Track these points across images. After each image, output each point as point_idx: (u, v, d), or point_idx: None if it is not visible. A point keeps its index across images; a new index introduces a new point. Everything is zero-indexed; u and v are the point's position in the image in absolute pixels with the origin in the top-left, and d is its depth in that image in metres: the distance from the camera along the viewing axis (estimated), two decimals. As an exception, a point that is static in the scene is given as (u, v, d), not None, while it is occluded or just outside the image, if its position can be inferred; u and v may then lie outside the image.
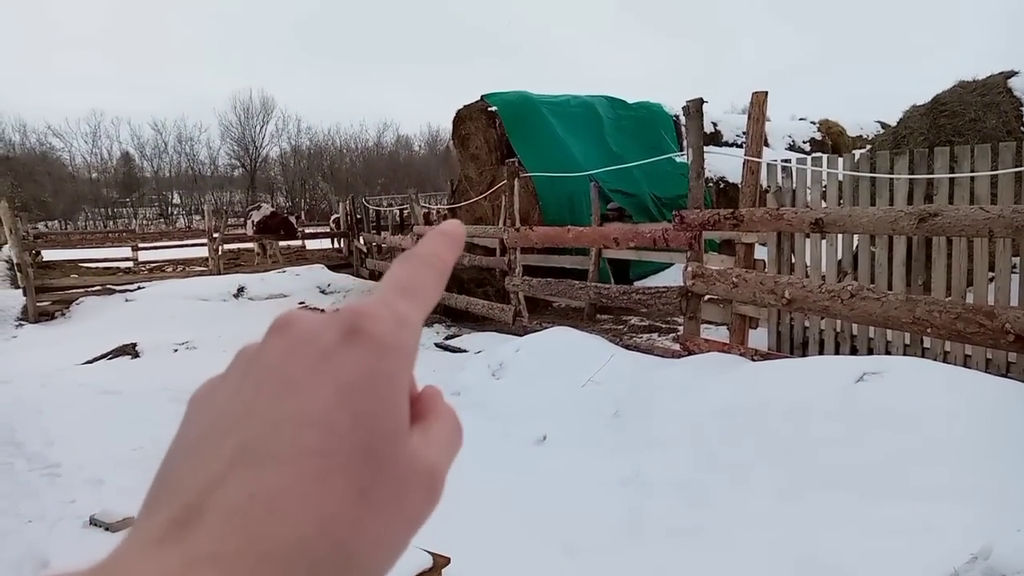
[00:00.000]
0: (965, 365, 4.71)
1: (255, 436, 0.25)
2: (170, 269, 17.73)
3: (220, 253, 16.37)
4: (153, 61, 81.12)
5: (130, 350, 8.57)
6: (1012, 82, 7.52)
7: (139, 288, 12.28)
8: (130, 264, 18.26)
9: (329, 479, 0.24)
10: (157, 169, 51.71)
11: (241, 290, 11.49)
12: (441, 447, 0.30)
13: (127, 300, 11.22)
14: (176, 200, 52.21)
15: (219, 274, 14.28)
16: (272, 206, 21.06)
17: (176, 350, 8.68)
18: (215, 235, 16.44)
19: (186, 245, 19.33)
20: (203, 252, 17.60)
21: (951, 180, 5.02)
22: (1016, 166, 4.64)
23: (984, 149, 4.85)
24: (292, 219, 19.38)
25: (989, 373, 4.22)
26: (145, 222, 46.84)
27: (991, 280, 4.82)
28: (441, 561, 2.60)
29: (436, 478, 0.29)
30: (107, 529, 3.62)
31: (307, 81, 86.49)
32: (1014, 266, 4.73)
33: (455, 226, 0.35)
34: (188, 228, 36.59)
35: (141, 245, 19.15)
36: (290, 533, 0.23)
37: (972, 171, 4.85)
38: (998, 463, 2.87)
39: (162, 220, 49.01)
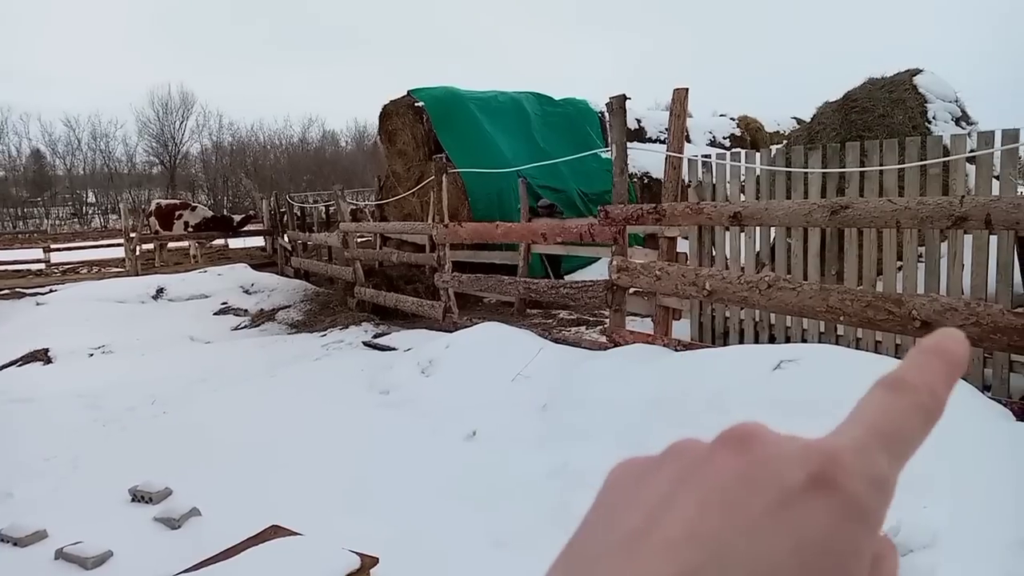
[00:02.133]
0: (876, 351, 4.92)
1: (702, 566, 0.22)
2: (85, 271, 17.04)
3: (138, 253, 15.83)
4: (64, 54, 77.68)
5: (42, 356, 8.20)
6: (918, 79, 7.88)
7: (51, 291, 11.77)
8: (42, 266, 17.50)
9: None
10: (70, 167, 49.52)
11: (160, 291, 11.12)
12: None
13: (38, 304, 10.72)
14: (91, 199, 50.13)
15: (137, 275, 13.80)
16: (203, 206, 20.59)
17: (91, 355, 8.35)
18: (132, 235, 15.90)
19: (102, 245, 18.64)
20: (120, 253, 17.01)
21: (861, 174, 5.22)
22: (921, 160, 4.87)
23: (892, 143, 5.06)
24: (237, 218, 19.37)
25: (898, 358, 4.42)
26: (58, 222, 44.87)
27: (899, 269, 5.05)
28: (368, 561, 2.57)
29: None
30: (15, 544, 3.46)
31: (229, 76, 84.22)
32: (920, 256, 4.96)
33: (957, 343, 0.28)
34: (104, 228, 35.25)
35: (53, 246, 18.39)
36: None
37: (881, 165, 5.06)
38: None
39: (76, 220, 47.00)
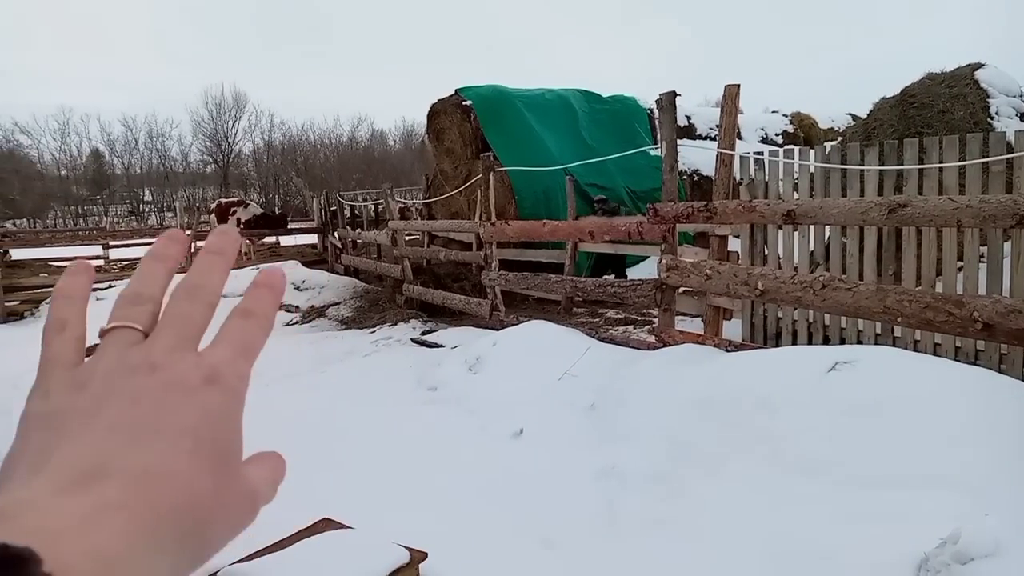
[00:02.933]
0: (935, 353, 4.78)
1: (143, 431, 0.34)
2: (142, 267, 17.49)
3: (193, 251, 16.20)
4: (122, 57, 79.86)
5: (101, 349, 8.46)
6: (979, 74, 7.64)
7: (110, 287, 12.11)
8: (101, 262, 18.03)
9: (198, 472, 0.34)
10: (128, 166, 50.91)
11: (214, 288, 11.37)
12: (264, 484, 0.39)
13: (98, 299, 10.92)
14: (148, 197, 51.48)
15: (192, 271, 14.11)
16: (254, 204, 21.09)
17: (149, 349, 8.58)
18: (188, 232, 16.27)
19: (159, 243, 19.13)
20: (176, 249, 17.41)
21: (920, 171, 5.09)
22: (983, 157, 4.72)
23: (952, 140, 4.92)
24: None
25: (958, 361, 4.29)
26: (116, 220, 46.16)
27: (960, 269, 4.90)
28: (418, 556, 2.59)
29: (257, 500, 0.39)
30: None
31: (280, 75, 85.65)
32: (982, 255, 4.81)
33: (278, 278, 0.43)
34: (160, 225, 36.17)
35: (112, 243, 18.91)
36: (172, 500, 0.32)
37: (940, 162, 4.92)
38: (967, 450, 2.92)
39: (133, 218, 48.34)
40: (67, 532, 0.29)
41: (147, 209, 50.65)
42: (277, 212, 21.35)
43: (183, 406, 0.35)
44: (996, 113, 7.41)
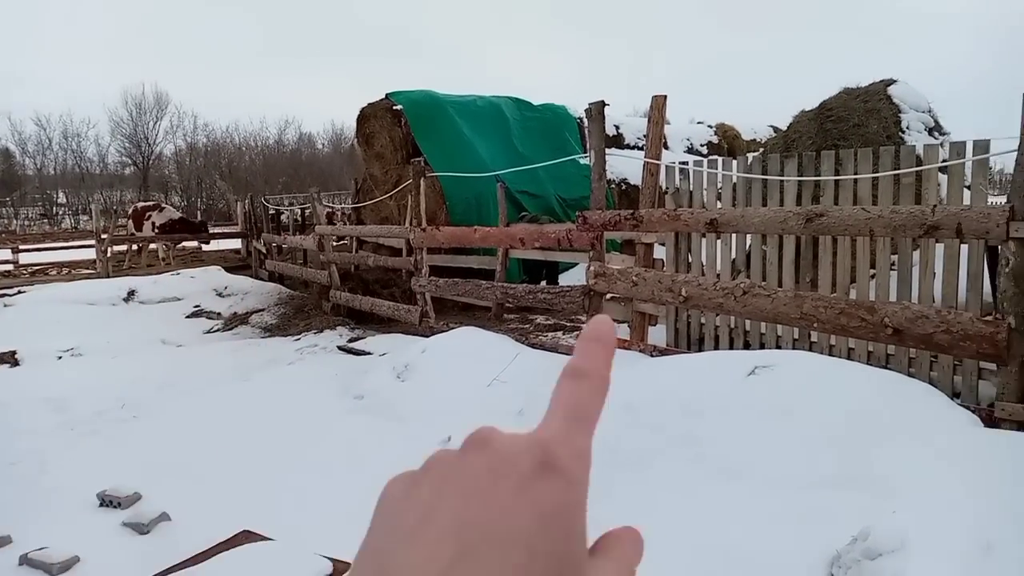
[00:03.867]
0: (849, 357, 4.96)
1: (472, 544, 0.28)
2: (54, 272, 16.77)
3: (109, 255, 15.63)
4: (35, 53, 76.51)
5: (8, 358, 8.04)
6: (891, 90, 7.99)
7: (19, 292, 11.57)
8: (10, 267, 17.20)
9: None
10: (41, 166, 48.68)
11: (132, 293, 10.97)
12: None
13: (5, 305, 10.51)
14: (62, 199, 49.34)
15: (108, 277, 13.60)
16: (171, 207, 20.51)
17: (60, 357, 8.21)
18: (104, 236, 15.68)
19: (72, 247, 18.37)
20: (91, 254, 16.78)
21: (836, 182, 5.27)
22: (895, 169, 4.92)
23: (866, 153, 5.11)
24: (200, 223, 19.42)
25: (871, 365, 4.46)
26: (27, 222, 44.10)
27: (872, 277, 5.10)
28: (341, 567, 2.54)
29: None
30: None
31: (204, 77, 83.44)
32: (893, 264, 5.02)
33: (608, 329, 0.37)
34: (75, 229, 34.78)
35: (22, 247, 18.08)
36: None
37: (855, 174, 5.11)
38: (876, 449, 3.04)
39: (46, 220, 46.24)
40: None
41: (61, 212, 48.52)
42: (199, 216, 20.77)
43: (513, 505, 0.29)
44: (907, 127, 7.75)
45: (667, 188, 6.42)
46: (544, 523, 0.29)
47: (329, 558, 2.54)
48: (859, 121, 7.67)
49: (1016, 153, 3.55)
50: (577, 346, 0.36)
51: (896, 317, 3.63)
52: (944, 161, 4.82)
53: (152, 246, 18.05)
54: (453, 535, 0.28)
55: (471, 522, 0.29)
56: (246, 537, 2.74)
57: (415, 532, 0.29)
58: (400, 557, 0.29)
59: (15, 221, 43.29)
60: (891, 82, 8.13)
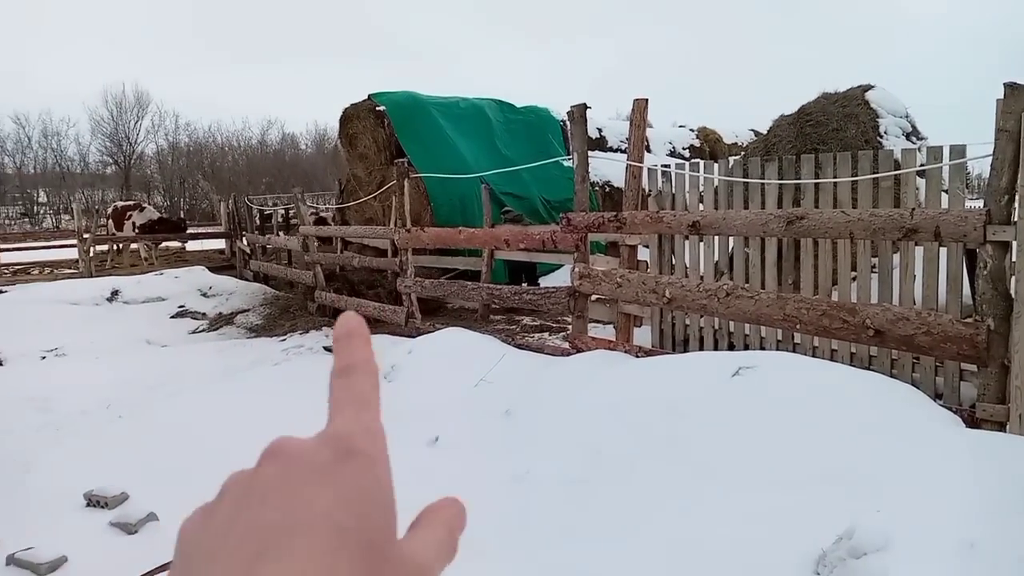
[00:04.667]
0: (831, 359, 5.03)
1: (272, 540, 0.28)
2: (36, 272, 16.61)
3: (92, 255, 15.50)
4: (12, 49, 75.53)
5: (-9, 359, 7.98)
6: (869, 95, 8.10)
7: (1, 292, 11.46)
8: (-10, 267, 17.02)
9: (339, 568, 0.28)
10: (20, 165, 48.10)
11: (115, 293, 10.90)
12: (433, 551, 0.34)
13: (-12, 306, 10.43)
14: (42, 199, 48.77)
15: (91, 276, 13.50)
16: (152, 207, 20.44)
17: (44, 357, 8.15)
18: (86, 235, 15.55)
19: (54, 246, 18.20)
20: (73, 253, 16.64)
21: (816, 185, 5.35)
22: (873, 173, 5.01)
23: (845, 157, 5.19)
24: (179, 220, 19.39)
25: (853, 366, 4.54)
26: (7, 221, 43.56)
27: (853, 279, 5.18)
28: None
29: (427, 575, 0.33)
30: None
31: (186, 75, 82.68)
32: (873, 266, 5.10)
33: (356, 322, 0.38)
34: (56, 228, 34.40)
35: (2, 246, 17.89)
36: None
37: (835, 177, 5.19)
38: (860, 449, 3.10)
39: (26, 220, 45.69)
40: None
41: (42, 211, 47.95)
42: (180, 216, 20.68)
43: (311, 492, 0.30)
44: (885, 132, 7.86)
45: (650, 191, 6.48)
46: (348, 502, 0.30)
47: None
48: (838, 126, 7.77)
49: (991, 158, 3.63)
50: (335, 346, 0.38)
51: (877, 319, 3.70)
52: (922, 165, 4.92)
53: (133, 246, 17.92)
54: (252, 538, 0.29)
55: (268, 521, 0.29)
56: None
57: (214, 551, 0.29)
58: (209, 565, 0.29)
59: (-6, 221, 42.77)
60: (869, 87, 8.24)
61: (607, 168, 11.77)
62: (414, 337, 6.50)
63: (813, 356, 5.03)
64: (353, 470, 0.31)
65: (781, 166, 5.55)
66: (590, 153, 5.84)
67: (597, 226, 5.50)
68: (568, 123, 6.23)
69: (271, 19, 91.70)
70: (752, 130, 17.55)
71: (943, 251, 4.61)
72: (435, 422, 4.61)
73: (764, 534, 2.80)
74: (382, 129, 12.15)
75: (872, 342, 3.97)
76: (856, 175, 5.07)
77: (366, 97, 12.53)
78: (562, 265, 9.82)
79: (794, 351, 5.24)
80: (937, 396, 4.46)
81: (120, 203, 20.32)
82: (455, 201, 11.20)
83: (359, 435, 0.33)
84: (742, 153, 11.13)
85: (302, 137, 57.18)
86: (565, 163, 11.08)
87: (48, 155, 48.49)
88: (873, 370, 4.35)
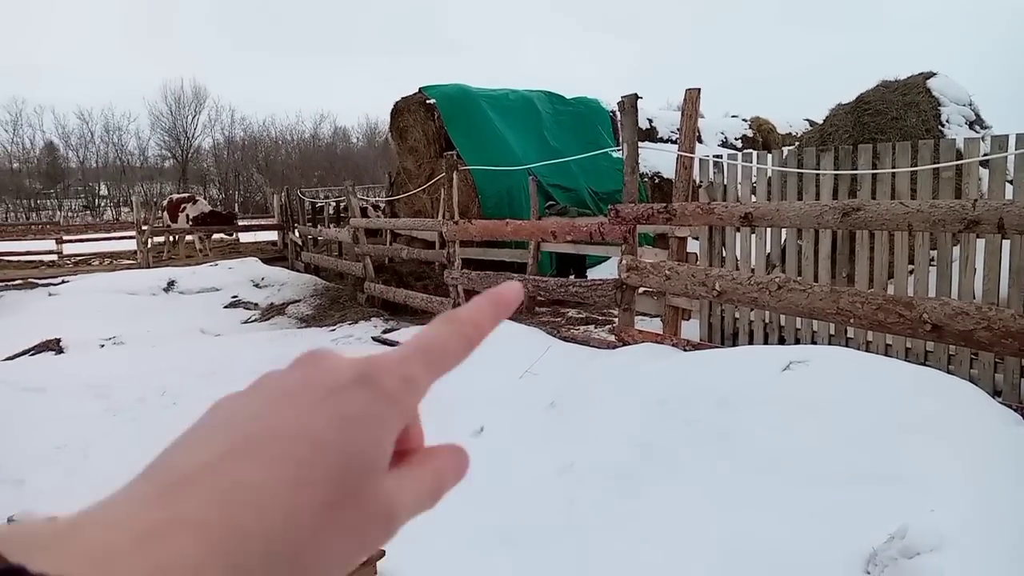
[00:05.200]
0: (886, 354, 4.90)
1: (253, 436, 0.29)
2: (97, 262, 17.16)
3: (150, 246, 15.94)
4: (78, 48, 78.01)
5: (54, 345, 8.26)
6: (931, 83, 7.84)
7: (63, 282, 11.87)
8: (54, 257, 17.64)
9: (304, 486, 0.28)
10: (83, 159, 49.81)
11: (172, 284, 11.19)
12: (410, 497, 0.33)
13: (51, 294, 10.81)
14: (103, 191, 50.40)
15: (148, 267, 13.88)
16: (207, 200, 21.05)
17: (103, 345, 8.41)
18: (144, 227, 15.99)
19: (114, 238, 18.80)
20: (132, 245, 17.13)
21: (873, 176, 5.20)
22: (934, 163, 4.85)
23: (904, 146, 5.04)
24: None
25: (908, 361, 4.40)
26: (70, 214, 45.10)
27: (911, 272, 5.03)
28: (375, 554, 2.58)
29: (394, 519, 0.32)
30: (28, 531, 3.49)
31: (241, 71, 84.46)
32: (932, 259, 4.94)
33: (513, 291, 0.37)
34: (116, 220, 35.49)
35: (66, 238, 18.55)
36: (259, 520, 0.27)
37: (893, 167, 5.04)
38: (915, 447, 3.00)
39: (88, 212, 47.26)
40: (116, 554, 0.24)
41: (103, 204, 49.55)
42: (235, 209, 21.31)
43: (312, 405, 0.30)
44: (947, 121, 7.61)
45: (701, 182, 6.38)
46: (341, 424, 0.30)
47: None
48: (897, 114, 7.55)
49: (1061, 147, 3.48)
50: (474, 298, 0.37)
51: (935, 313, 3.58)
52: (986, 155, 4.74)
53: (189, 237, 18.39)
54: (237, 434, 0.29)
55: (258, 421, 0.29)
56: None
57: (205, 438, 0.29)
58: (172, 456, 0.29)
59: (59, 212, 44.28)
60: (930, 75, 7.98)
61: (656, 158, 11.64)
62: (461, 328, 6.52)
63: (866, 351, 4.90)
64: (361, 397, 0.31)
65: (837, 156, 5.41)
66: (640, 144, 5.77)
67: (646, 217, 5.44)
68: (618, 114, 6.15)
69: (326, 14, 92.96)
70: (807, 120, 17.16)
71: (1006, 244, 4.44)
72: (479, 412, 4.62)
73: (813, 530, 2.74)
74: (432, 122, 12.22)
75: (929, 337, 3.84)
76: (916, 165, 4.91)
77: (417, 90, 12.61)
78: (608, 257, 9.74)
79: (846, 346, 5.11)
80: (996, 393, 4.30)
81: (175, 196, 20.90)
82: (502, 193, 11.21)
83: (389, 373, 0.32)
84: (796, 143, 10.90)
85: (353, 131, 58.04)
86: (614, 154, 10.98)
87: (110, 149, 50.12)
88: (929, 366, 4.22)
